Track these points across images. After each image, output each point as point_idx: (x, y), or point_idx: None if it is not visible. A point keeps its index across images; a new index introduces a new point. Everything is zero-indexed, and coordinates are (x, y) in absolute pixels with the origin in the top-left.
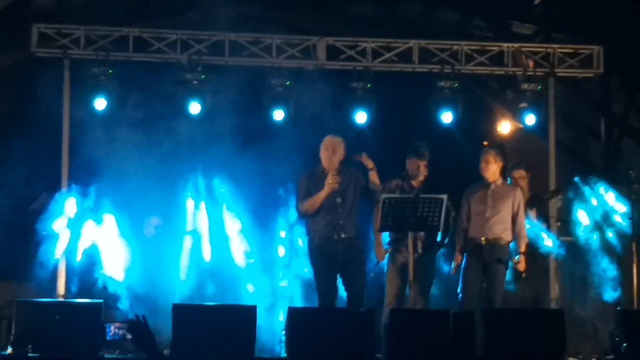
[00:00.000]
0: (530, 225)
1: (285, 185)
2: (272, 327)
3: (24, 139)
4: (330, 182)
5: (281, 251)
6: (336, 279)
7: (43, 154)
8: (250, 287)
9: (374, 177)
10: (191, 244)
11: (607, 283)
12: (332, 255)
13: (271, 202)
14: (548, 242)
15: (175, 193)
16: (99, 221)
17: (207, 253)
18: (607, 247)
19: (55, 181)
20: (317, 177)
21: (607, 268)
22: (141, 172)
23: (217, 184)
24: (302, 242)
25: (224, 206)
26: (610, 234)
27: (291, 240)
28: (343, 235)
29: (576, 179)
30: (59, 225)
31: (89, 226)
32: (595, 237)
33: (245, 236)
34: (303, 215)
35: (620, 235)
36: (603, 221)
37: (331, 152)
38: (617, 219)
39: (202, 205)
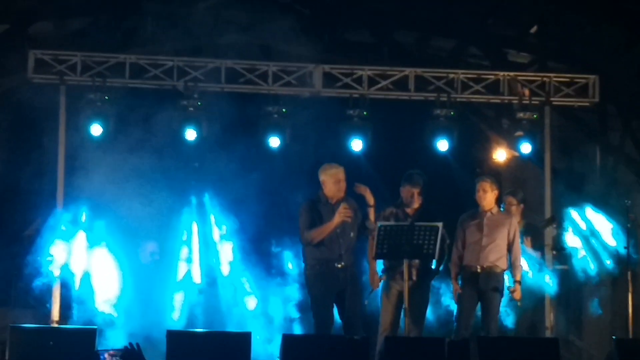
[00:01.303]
0: (525, 254)
1: (282, 211)
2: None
3: (18, 165)
4: (342, 214)
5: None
6: (332, 306)
7: (38, 179)
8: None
9: (372, 214)
10: (186, 271)
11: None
12: (330, 283)
13: (266, 227)
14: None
15: (170, 219)
16: (93, 247)
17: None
18: (599, 274)
19: (50, 207)
20: (322, 206)
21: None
22: (136, 198)
23: (212, 210)
24: (291, 265)
25: (219, 231)
26: (607, 262)
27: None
28: (342, 264)
29: (570, 207)
30: (54, 251)
31: (83, 251)
32: (588, 265)
33: (240, 262)
34: (308, 244)
35: (612, 262)
36: (594, 249)
37: (343, 183)
38: (608, 244)
39: (196, 230)
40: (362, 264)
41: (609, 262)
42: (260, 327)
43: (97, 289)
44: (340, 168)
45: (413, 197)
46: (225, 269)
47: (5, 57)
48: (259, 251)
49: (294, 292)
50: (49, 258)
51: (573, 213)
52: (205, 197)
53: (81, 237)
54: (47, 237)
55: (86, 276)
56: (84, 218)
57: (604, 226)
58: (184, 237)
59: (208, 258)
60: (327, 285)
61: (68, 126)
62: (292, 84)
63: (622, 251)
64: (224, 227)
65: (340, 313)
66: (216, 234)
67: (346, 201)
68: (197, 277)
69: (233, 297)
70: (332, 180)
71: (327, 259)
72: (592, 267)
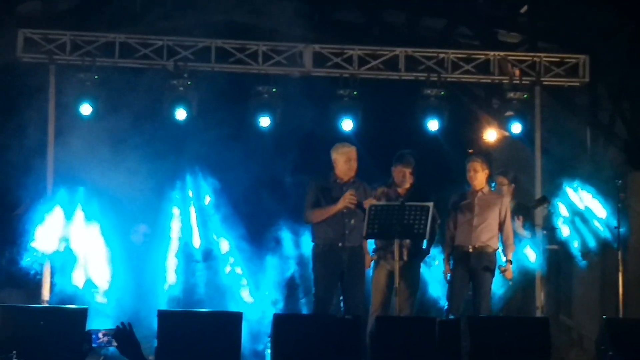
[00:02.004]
0: (516, 234)
1: (271, 192)
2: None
3: (8, 144)
4: (347, 200)
5: None
6: (335, 286)
7: (28, 159)
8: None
9: None
10: (176, 250)
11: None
12: (334, 263)
13: (255, 206)
14: (531, 254)
15: (161, 199)
16: (83, 227)
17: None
18: (589, 253)
19: (40, 186)
20: (330, 185)
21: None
22: (126, 177)
23: (204, 190)
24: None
25: (208, 210)
26: (598, 241)
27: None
28: (348, 244)
29: (560, 186)
30: (44, 231)
31: (73, 231)
32: (579, 245)
33: (229, 241)
34: (308, 223)
35: (601, 242)
36: (585, 228)
37: (353, 162)
38: (597, 224)
39: (185, 209)
40: None
41: (599, 242)
42: (249, 305)
43: (87, 268)
44: (352, 147)
45: (405, 177)
46: (213, 249)
47: None
48: (248, 230)
49: (283, 271)
50: (38, 237)
51: (563, 193)
52: (194, 177)
53: (71, 216)
54: (36, 216)
55: (76, 255)
56: (73, 197)
57: (594, 206)
58: (175, 217)
59: (195, 237)
60: (329, 265)
61: (57, 105)
62: (282, 63)
63: (613, 231)
64: (207, 199)
65: (343, 293)
66: (205, 213)
67: (356, 183)
68: (182, 256)
69: (223, 276)
70: (342, 159)
71: (331, 239)
72: (582, 247)
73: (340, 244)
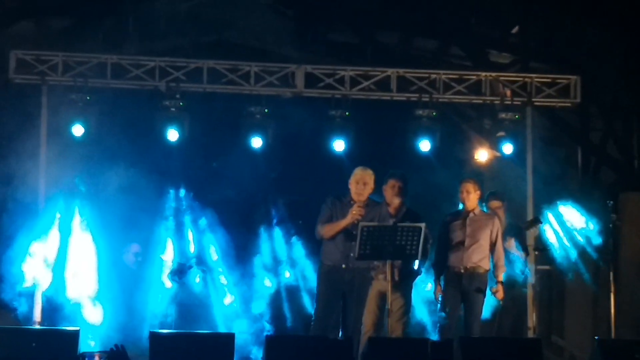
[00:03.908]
0: (507, 255)
1: (263, 212)
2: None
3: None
4: (354, 214)
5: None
6: (336, 306)
7: (19, 180)
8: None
9: None
10: (169, 271)
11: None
12: (337, 283)
13: (247, 227)
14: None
15: (153, 219)
16: (75, 246)
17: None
18: (581, 274)
19: (32, 207)
20: (344, 204)
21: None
22: (118, 199)
23: (194, 210)
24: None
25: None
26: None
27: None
28: (352, 265)
29: (551, 207)
30: (35, 251)
31: (65, 251)
32: (570, 265)
33: (223, 263)
34: (319, 237)
35: (593, 262)
36: (577, 249)
37: (362, 185)
38: (590, 244)
39: (176, 230)
40: None
41: (591, 262)
42: (240, 327)
43: (78, 289)
44: (367, 171)
45: (395, 189)
46: (206, 270)
47: None
48: (239, 251)
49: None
50: (29, 257)
51: (554, 213)
52: (186, 197)
53: (62, 235)
54: (27, 236)
55: (67, 275)
56: (65, 217)
57: (585, 226)
58: (166, 237)
59: (188, 259)
60: (331, 285)
61: (49, 126)
62: (274, 84)
63: (605, 252)
64: (203, 223)
65: (342, 312)
66: (196, 234)
67: (374, 204)
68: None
69: (214, 297)
70: (353, 180)
71: (336, 260)
72: (574, 267)
73: (344, 265)
